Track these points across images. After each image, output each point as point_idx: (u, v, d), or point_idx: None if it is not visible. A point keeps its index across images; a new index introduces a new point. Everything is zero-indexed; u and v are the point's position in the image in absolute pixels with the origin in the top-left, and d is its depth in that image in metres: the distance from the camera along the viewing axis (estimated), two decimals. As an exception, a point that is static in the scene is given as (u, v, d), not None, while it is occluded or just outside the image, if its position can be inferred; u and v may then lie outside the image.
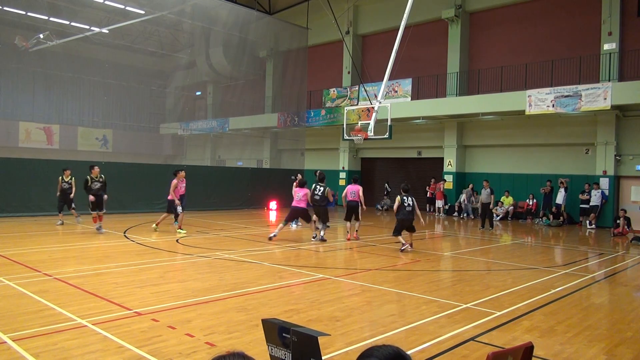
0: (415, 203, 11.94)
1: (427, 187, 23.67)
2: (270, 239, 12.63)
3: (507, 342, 5.25)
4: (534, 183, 20.52)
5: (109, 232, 13.54)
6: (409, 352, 5.03)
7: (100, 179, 13.48)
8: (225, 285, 7.64)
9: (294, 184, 14.03)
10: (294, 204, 13.14)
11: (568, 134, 20.03)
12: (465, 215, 21.53)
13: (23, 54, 24.10)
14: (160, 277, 8.15)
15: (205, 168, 25.97)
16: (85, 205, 13.95)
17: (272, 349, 2.37)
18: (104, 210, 13.55)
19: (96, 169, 13.58)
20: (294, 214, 13.28)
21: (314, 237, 13.12)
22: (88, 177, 13.36)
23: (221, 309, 6.26)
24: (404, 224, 11.83)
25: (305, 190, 13.10)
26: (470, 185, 21.67)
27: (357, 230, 13.72)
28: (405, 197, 11.89)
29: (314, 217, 13.27)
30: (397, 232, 11.86)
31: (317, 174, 13.82)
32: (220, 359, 1.55)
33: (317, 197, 13.05)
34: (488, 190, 17.16)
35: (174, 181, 13.78)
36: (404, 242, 11.72)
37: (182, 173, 14.08)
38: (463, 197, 21.76)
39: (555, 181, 19.95)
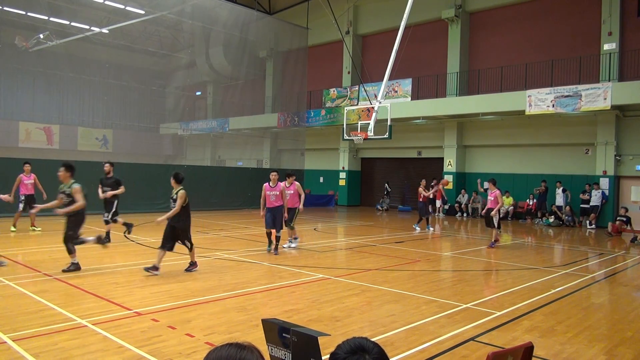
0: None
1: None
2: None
3: (507, 342, 5.25)
4: (534, 183, 20.51)
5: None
6: (408, 352, 5.02)
7: None
8: (225, 285, 7.64)
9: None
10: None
11: (568, 134, 20.02)
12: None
13: (23, 54, 24.08)
14: (160, 277, 8.15)
15: (205, 168, 25.96)
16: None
17: (272, 349, 2.36)
18: None
19: None
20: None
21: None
22: None
23: (221, 309, 6.27)
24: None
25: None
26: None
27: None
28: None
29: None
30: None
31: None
32: (212, 352, 1.53)
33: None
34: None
35: (282, 184, 11.17)
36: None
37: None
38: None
39: (550, 182, 19.94)
